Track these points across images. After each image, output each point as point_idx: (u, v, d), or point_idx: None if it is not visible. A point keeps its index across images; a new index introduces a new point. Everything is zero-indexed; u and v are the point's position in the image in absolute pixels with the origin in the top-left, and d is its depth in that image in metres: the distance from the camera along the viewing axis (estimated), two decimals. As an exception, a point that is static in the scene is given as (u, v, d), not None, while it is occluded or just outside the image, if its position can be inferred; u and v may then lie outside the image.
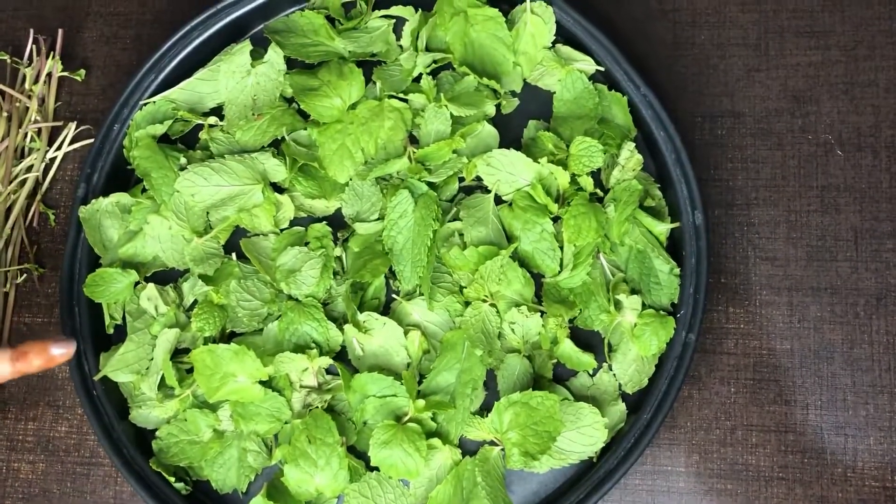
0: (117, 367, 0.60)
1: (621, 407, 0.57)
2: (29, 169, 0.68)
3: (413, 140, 0.62)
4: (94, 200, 0.62)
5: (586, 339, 0.58)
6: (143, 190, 0.63)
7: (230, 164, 0.60)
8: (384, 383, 0.56)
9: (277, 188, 0.62)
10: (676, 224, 0.58)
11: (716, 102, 0.63)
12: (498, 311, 0.58)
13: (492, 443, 0.57)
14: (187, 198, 0.60)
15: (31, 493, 0.64)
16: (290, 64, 0.64)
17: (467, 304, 0.58)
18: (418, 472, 0.55)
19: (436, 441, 0.56)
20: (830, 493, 0.57)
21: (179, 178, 0.60)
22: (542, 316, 0.58)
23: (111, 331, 0.63)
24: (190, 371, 0.59)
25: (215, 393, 0.57)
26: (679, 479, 0.58)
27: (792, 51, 0.63)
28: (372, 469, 0.57)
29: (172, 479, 0.58)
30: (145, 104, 0.63)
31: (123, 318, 0.62)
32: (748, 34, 0.64)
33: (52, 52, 0.71)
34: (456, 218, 0.60)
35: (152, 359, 0.60)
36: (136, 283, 0.61)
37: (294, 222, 0.62)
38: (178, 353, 0.60)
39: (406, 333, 0.58)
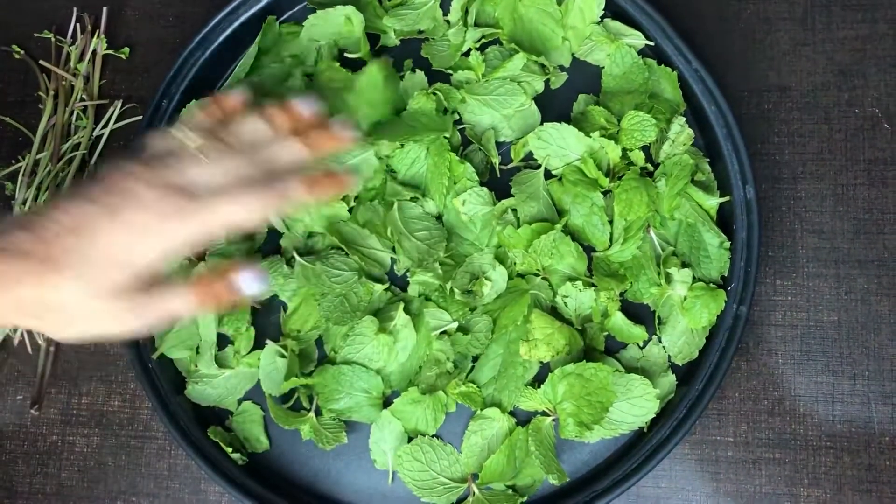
0: (172, 343, 0.61)
1: (671, 378, 0.58)
2: (76, 147, 0.69)
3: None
4: None
5: (636, 312, 0.59)
6: None
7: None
8: None
9: None
10: (727, 198, 0.58)
11: (762, 77, 0.63)
12: (551, 285, 0.59)
13: (543, 413, 0.58)
14: None
15: (86, 465, 0.65)
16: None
17: (521, 277, 0.59)
18: (426, 434, 0.58)
19: (491, 411, 0.57)
20: (878, 461, 0.57)
21: None
22: (593, 289, 0.58)
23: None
24: None
25: None
26: (727, 448, 0.59)
27: (838, 24, 0.63)
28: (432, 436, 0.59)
29: (229, 450, 0.59)
30: None
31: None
32: (794, 8, 0.64)
33: (96, 31, 0.71)
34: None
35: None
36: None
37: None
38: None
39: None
